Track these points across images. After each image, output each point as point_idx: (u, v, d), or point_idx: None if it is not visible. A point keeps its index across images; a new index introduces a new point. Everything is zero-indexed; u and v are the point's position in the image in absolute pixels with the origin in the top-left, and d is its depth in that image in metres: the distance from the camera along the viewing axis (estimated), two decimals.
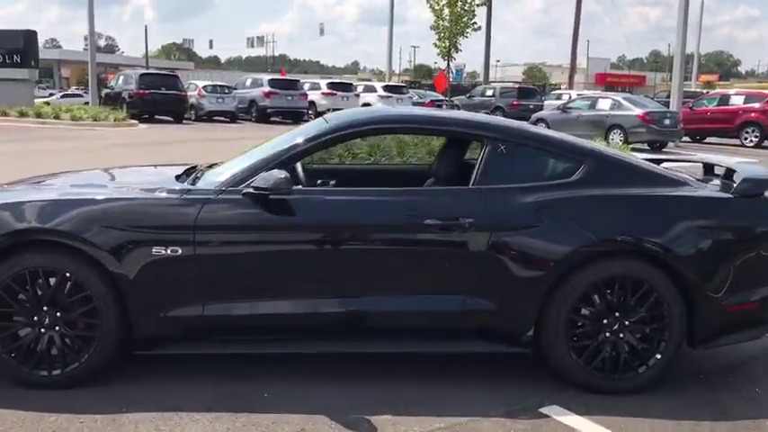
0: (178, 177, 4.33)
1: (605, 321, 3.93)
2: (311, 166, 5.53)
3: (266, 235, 3.83)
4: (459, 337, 3.97)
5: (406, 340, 4.00)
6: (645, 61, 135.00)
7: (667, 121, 20.47)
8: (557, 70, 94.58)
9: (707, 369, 4.39)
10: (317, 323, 3.92)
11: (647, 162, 4.41)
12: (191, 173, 4.48)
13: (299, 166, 4.57)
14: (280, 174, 3.75)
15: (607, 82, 70.70)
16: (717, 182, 4.46)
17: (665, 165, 4.69)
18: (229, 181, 3.91)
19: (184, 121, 28.11)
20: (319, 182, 5.30)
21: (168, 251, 3.73)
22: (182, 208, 3.81)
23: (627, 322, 3.93)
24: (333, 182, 5.33)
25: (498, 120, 4.61)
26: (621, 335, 3.94)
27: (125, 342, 3.83)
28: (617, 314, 3.92)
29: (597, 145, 4.37)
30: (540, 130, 4.38)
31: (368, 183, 5.15)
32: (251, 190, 3.79)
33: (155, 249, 3.72)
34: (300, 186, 4.33)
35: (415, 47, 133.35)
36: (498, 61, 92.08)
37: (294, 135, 4.26)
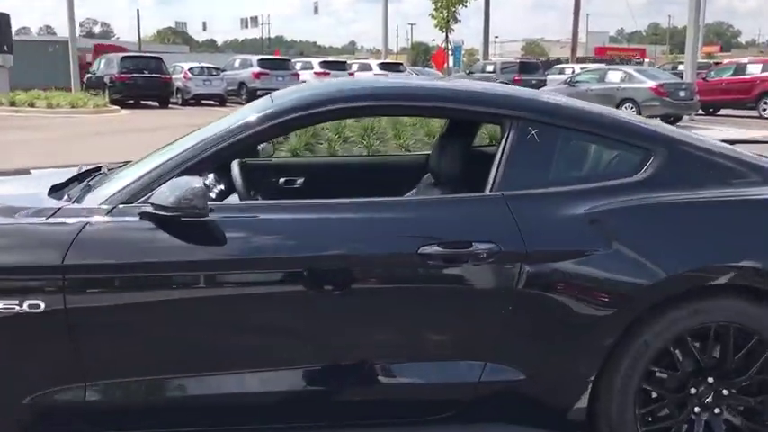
0: (57, 189, 2.98)
1: (693, 391, 2.63)
2: (271, 161, 4.20)
3: (175, 278, 2.51)
4: (476, 420, 2.66)
5: (398, 428, 2.68)
6: (644, 34, 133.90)
7: (682, 93, 19.14)
8: (555, 45, 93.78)
9: None
10: (257, 406, 2.61)
11: (736, 149, 3.05)
12: (86, 178, 3.14)
13: (235, 166, 3.22)
14: (191, 184, 2.42)
15: (607, 55, 69.23)
16: None
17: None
18: (121, 194, 2.59)
19: (170, 106, 26.74)
20: (283, 180, 4.02)
21: (24, 306, 2.41)
22: (45, 239, 2.49)
23: (726, 391, 2.63)
24: (300, 180, 4.06)
25: (525, 92, 3.19)
26: (717, 410, 2.64)
27: None
28: (710, 380, 2.62)
29: (668, 126, 3.02)
30: (586, 104, 3.03)
31: (346, 180, 3.85)
32: (149, 209, 2.47)
33: (2, 304, 2.41)
34: (235, 199, 3.00)
35: (412, 24, 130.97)
36: (497, 37, 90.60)
37: (226, 122, 2.90)
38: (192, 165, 2.59)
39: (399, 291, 2.59)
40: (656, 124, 2.97)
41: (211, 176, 3.46)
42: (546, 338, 2.58)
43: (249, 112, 2.82)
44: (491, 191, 2.65)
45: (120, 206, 2.54)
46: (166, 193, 2.42)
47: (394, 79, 3.90)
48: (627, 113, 3.05)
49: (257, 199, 3.29)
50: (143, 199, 2.53)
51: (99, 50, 35.00)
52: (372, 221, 2.58)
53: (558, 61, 44.22)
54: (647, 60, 49.66)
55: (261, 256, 2.52)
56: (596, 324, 2.55)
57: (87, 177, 3.14)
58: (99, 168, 3.38)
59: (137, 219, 2.50)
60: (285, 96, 2.94)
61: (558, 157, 2.73)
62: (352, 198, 2.72)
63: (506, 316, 2.56)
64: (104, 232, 2.49)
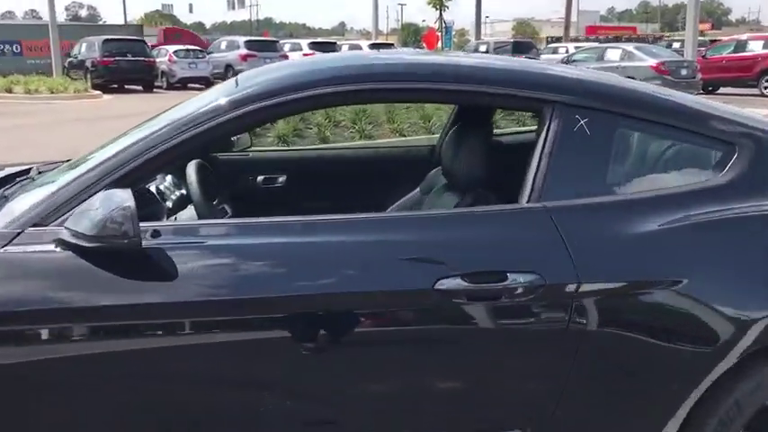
0: None
1: None
2: (248, 155, 3.53)
3: (102, 329, 1.85)
4: None
5: None
6: (634, 12, 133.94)
7: (684, 72, 18.61)
8: (546, 24, 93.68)
9: None
10: None
11: None
12: (6, 184, 2.47)
13: (192, 168, 2.53)
14: (123, 201, 1.75)
15: (598, 35, 68.61)
16: None
17: None
18: (33, 213, 1.92)
19: (155, 90, 25.89)
20: (261, 179, 3.37)
21: None
22: None
23: None
24: (282, 178, 3.42)
25: (566, 69, 2.47)
26: None
27: None
28: None
29: (746, 112, 2.36)
30: (645, 85, 2.37)
31: (337, 177, 3.22)
32: (66, 235, 1.80)
33: None
34: (179, 219, 2.34)
35: (402, 4, 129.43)
36: (487, 17, 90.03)
37: (171, 114, 2.20)
38: (126, 173, 1.93)
39: (410, 341, 1.94)
40: (734, 110, 2.31)
41: (169, 179, 2.80)
42: (605, 400, 1.96)
43: (211, 98, 2.14)
44: (529, 201, 2.00)
45: (30, 230, 1.88)
46: (88, 214, 1.76)
47: (389, 55, 3.07)
48: (698, 98, 2.38)
49: (223, 208, 2.62)
50: (61, 219, 1.87)
51: (168, 34, 36.11)
52: (372, 246, 1.93)
53: (548, 40, 43.33)
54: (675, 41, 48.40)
55: (215, 298, 1.86)
56: (672, 380, 1.93)
57: (7, 183, 2.47)
58: (29, 171, 2.70)
59: (51, 247, 1.84)
60: (253, 79, 2.25)
61: (615, 155, 2.09)
62: (344, 203, 2.08)
63: (553, 371, 1.92)
64: (5, 266, 1.83)
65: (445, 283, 1.86)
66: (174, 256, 1.85)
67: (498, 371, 1.96)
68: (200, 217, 2.30)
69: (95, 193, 1.86)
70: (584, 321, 1.90)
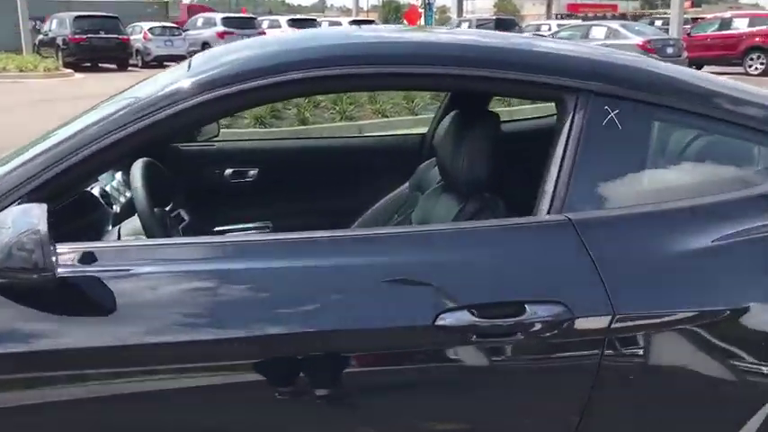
0: None
1: None
2: (213, 146, 3.14)
3: (10, 383, 1.47)
4: None
5: None
6: None
7: (670, 50, 18.44)
8: (528, 2, 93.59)
9: None
10: None
11: None
12: None
13: (138, 171, 2.11)
14: (37, 224, 1.36)
15: (580, 11, 68.34)
16: None
17: None
18: None
19: (130, 69, 25.28)
20: (230, 172, 3.02)
21: None
22: None
23: None
24: (253, 172, 3.06)
25: (589, 50, 2.01)
26: None
27: None
28: None
29: None
30: (683, 70, 1.98)
31: (315, 169, 2.88)
32: None
33: None
34: (122, 231, 1.96)
35: None
36: None
37: (106, 109, 1.78)
38: (50, 178, 1.53)
39: (403, 390, 1.58)
40: None
41: (118, 177, 2.41)
42: None
43: (158, 86, 1.73)
44: (550, 212, 1.62)
45: None
46: None
47: (378, 33, 2.68)
48: (738, 83, 2.01)
49: (179, 214, 2.24)
50: None
51: (192, 11, 37.83)
52: (356, 272, 1.55)
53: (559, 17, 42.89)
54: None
55: (161, 340, 1.47)
56: (727, 427, 1.58)
57: None
58: None
59: None
60: (210, 62, 1.83)
61: (653, 154, 1.72)
62: (322, 200, 1.73)
63: (579, 419, 1.56)
64: None
65: (448, 318, 1.49)
66: (102, 287, 1.46)
67: (517, 420, 1.60)
68: (145, 229, 1.91)
69: (8, 206, 1.48)
70: (620, 361, 1.55)
